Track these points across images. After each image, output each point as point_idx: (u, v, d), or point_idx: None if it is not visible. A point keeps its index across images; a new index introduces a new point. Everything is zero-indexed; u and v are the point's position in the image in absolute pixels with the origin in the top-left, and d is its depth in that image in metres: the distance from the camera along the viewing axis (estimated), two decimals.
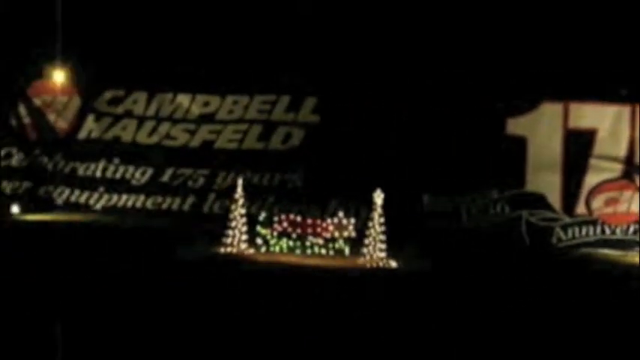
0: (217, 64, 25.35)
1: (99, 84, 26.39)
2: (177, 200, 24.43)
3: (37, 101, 26.75)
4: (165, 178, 24.83)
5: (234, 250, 19.76)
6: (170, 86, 25.83)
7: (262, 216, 19.98)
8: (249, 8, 25.38)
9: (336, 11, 24.66)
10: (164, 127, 25.48)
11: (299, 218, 19.77)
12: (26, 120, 26.65)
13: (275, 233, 19.77)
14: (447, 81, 23.50)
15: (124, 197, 24.97)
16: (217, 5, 25.50)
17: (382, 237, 19.35)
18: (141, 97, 25.96)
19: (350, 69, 24.32)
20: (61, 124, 26.39)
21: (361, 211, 21.91)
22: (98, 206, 25.07)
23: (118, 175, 25.30)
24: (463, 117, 23.32)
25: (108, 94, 26.19)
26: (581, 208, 22.49)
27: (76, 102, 26.47)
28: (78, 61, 26.40)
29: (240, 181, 20.07)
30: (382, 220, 19.35)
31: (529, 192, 22.81)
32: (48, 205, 25.06)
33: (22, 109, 26.76)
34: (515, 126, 23.30)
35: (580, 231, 22.15)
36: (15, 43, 26.36)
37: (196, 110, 25.42)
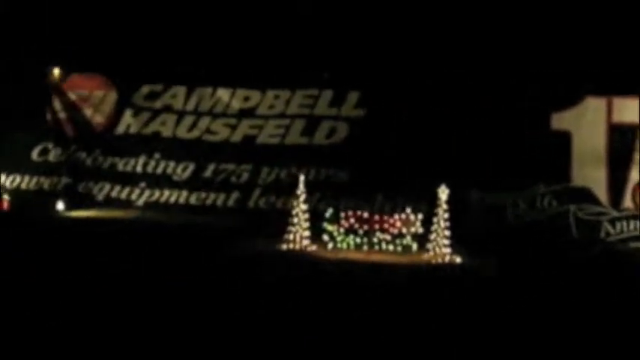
0: (256, 58, 25.15)
1: (136, 78, 25.97)
2: (222, 196, 24.20)
3: (73, 96, 26.54)
4: (208, 173, 24.74)
5: (297, 247, 19.63)
6: (209, 81, 25.49)
7: (329, 212, 19.90)
8: (287, 3, 25.16)
9: (379, 3, 24.55)
10: (204, 122, 25.35)
11: (366, 214, 19.63)
12: (62, 115, 26.44)
13: (342, 230, 19.67)
14: (492, 76, 23.43)
15: (167, 193, 24.75)
16: (259, 2, 25.27)
17: (447, 232, 19.31)
18: (180, 91, 25.80)
19: (393, 62, 24.33)
20: (98, 119, 26.20)
21: (407, 206, 21.78)
22: (140, 202, 24.93)
23: (159, 171, 25.12)
24: (508, 112, 23.30)
25: (145, 89, 26.00)
26: (627, 203, 22.53)
27: (113, 97, 26.26)
28: (113, 55, 25.88)
29: (302, 177, 19.95)
30: (447, 215, 19.31)
31: (576, 186, 22.84)
32: (89, 202, 24.53)
33: (57, 104, 26.43)
34: (560, 121, 23.42)
35: (628, 225, 22.32)
36: (48, 36, 25.99)
37: (236, 105, 25.33)
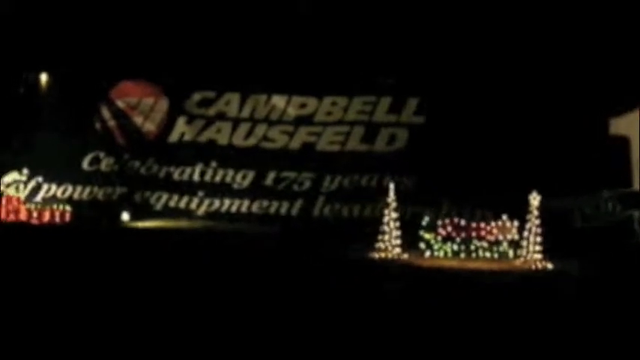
0: (312, 64, 25.13)
1: (186, 85, 25.76)
2: (285, 204, 24.13)
3: (121, 104, 26.19)
4: (269, 181, 24.65)
5: (389, 255, 19.77)
6: (263, 87, 25.41)
7: (425, 220, 20.04)
8: (344, 8, 25.19)
9: (438, 8, 24.70)
10: (261, 129, 25.29)
11: (463, 222, 19.82)
12: (111, 123, 26.15)
13: (439, 237, 19.84)
14: (551, 82, 23.69)
15: (227, 202, 24.59)
16: (313, 5, 25.21)
17: (539, 239, 19.57)
18: (233, 98, 25.73)
19: (452, 68, 24.42)
20: (149, 126, 25.98)
21: (476, 212, 22.01)
22: (201, 212, 24.79)
23: (218, 179, 25.04)
24: (566, 117, 23.59)
25: (197, 96, 25.86)
26: None
27: (164, 104, 26.05)
28: (164, 62, 25.68)
29: (392, 185, 20.09)
30: (538, 221, 19.56)
31: (638, 191, 23.25)
32: (147, 211, 24.32)
33: (106, 112, 26.10)
34: (618, 126, 23.74)
35: None
36: (94, 44, 25.71)
37: (292, 112, 25.31)
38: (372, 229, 21.33)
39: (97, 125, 26.08)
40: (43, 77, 26.66)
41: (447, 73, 24.49)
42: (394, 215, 20.14)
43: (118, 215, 23.96)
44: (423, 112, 24.47)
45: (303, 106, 25.16)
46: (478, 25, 24.37)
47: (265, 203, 24.38)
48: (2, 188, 24.49)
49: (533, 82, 24.02)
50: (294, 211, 24.28)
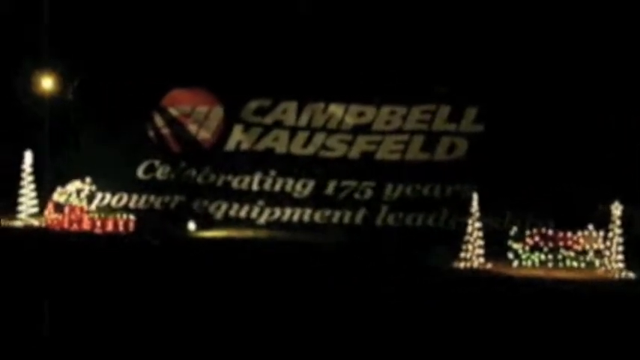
0: (369, 73, 25.21)
1: (242, 93, 25.70)
2: (348, 213, 24.15)
3: (174, 111, 26.04)
4: (330, 190, 24.59)
5: (474, 265, 19.94)
6: (320, 96, 25.42)
7: (514, 230, 20.22)
8: (402, 19, 25.29)
9: (495, 18, 24.88)
10: (319, 138, 25.33)
11: (550, 232, 20.03)
12: (165, 131, 25.98)
13: (527, 247, 20.03)
14: (612, 89, 23.93)
15: (288, 211, 24.55)
16: (371, 14, 25.31)
17: (621, 248, 19.84)
18: (290, 107, 25.72)
19: (511, 77, 24.61)
20: (204, 135, 25.91)
21: (538, 222, 22.23)
22: (261, 221, 24.68)
23: (277, 188, 24.96)
24: (620, 123, 23.86)
25: (253, 104, 25.77)
26: None
27: (219, 112, 25.95)
28: (216, 69, 25.62)
29: (475, 195, 20.20)
30: (620, 231, 19.83)
31: None
32: (210, 221, 24.23)
33: (159, 120, 25.96)
34: None
35: None
36: (147, 53, 25.59)
37: (350, 120, 25.38)
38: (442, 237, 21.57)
39: (151, 133, 25.90)
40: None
41: (505, 81, 24.47)
42: (477, 225, 20.18)
43: (184, 225, 23.46)
44: (482, 120, 24.40)
45: (360, 114, 25.19)
46: (537, 34, 24.47)
47: (327, 212, 24.18)
48: (64, 197, 24.02)
49: (596, 90, 23.98)
50: (358, 220, 24.07)
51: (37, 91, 26.02)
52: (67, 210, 23.99)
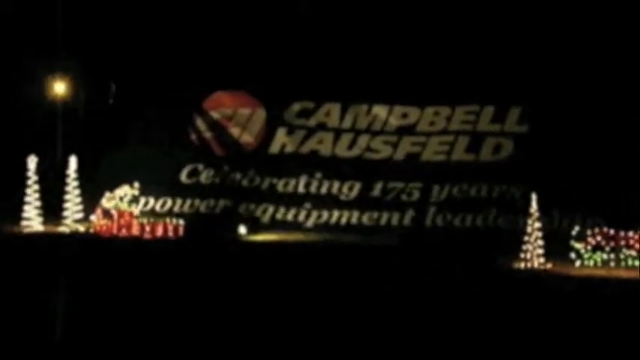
0: (413, 74, 25.24)
1: (284, 96, 25.68)
2: (396, 215, 24.17)
3: (216, 115, 25.98)
4: (376, 192, 24.59)
5: (534, 265, 20.06)
6: (363, 97, 25.43)
7: (575, 230, 20.32)
8: (443, 18, 25.35)
9: (537, 19, 24.96)
10: (363, 140, 25.36)
11: (612, 231, 20.14)
12: (207, 134, 25.91)
13: (589, 247, 20.14)
14: None
15: (336, 213, 24.53)
16: (414, 16, 25.34)
17: None
18: (333, 109, 25.75)
19: (554, 76, 24.66)
20: (247, 138, 25.89)
21: (587, 221, 22.35)
22: (309, 224, 24.66)
23: (324, 191, 24.88)
24: None
25: (296, 106, 25.71)
26: None
27: (261, 115, 25.89)
28: (258, 72, 25.60)
29: (534, 196, 20.29)
30: None
31: None
32: (259, 224, 24.21)
33: (201, 123, 25.90)
34: None
35: None
36: (187, 56, 25.55)
37: (394, 122, 25.44)
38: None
39: (193, 137, 25.83)
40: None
41: (547, 80, 24.54)
42: (537, 225, 20.27)
43: (234, 228, 23.42)
44: (526, 120, 24.46)
45: (404, 116, 25.26)
46: (580, 32, 24.52)
47: (375, 214, 24.18)
48: (113, 203, 23.91)
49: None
50: (407, 222, 24.06)
51: (76, 97, 25.63)
52: (115, 215, 23.69)
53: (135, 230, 23.61)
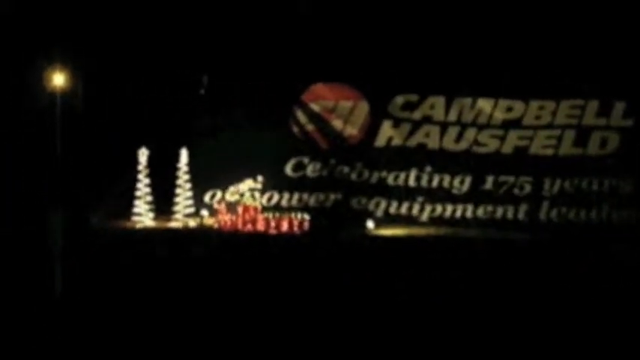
0: (517, 68, 25.38)
1: (387, 89, 25.51)
2: (510, 209, 24.32)
3: (316, 107, 25.61)
4: (488, 186, 24.62)
5: None
6: (468, 91, 25.46)
7: None
8: (547, 13, 25.56)
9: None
10: (470, 133, 25.36)
11: None
12: (309, 127, 25.54)
13: None
14: None
15: (449, 207, 24.53)
16: (514, 9, 25.48)
17: None
18: (438, 102, 25.62)
19: None
20: (351, 130, 25.60)
21: None
22: (424, 218, 24.51)
23: (435, 184, 24.81)
24: None
25: (400, 99, 25.53)
26: None
27: (364, 107, 25.62)
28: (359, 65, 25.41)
29: None
30: None
31: None
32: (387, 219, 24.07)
33: (302, 116, 25.52)
34: None
35: None
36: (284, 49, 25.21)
37: (500, 115, 25.45)
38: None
39: (295, 129, 25.28)
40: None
41: None
42: None
43: (361, 223, 23.14)
44: (631, 115, 24.77)
45: (509, 109, 25.29)
46: None
47: (490, 208, 24.18)
48: (236, 197, 23.36)
49: None
50: (521, 216, 24.13)
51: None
52: (240, 210, 23.11)
53: (260, 226, 22.99)
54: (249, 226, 23.43)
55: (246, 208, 23.57)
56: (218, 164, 24.63)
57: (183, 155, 24.02)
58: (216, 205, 23.91)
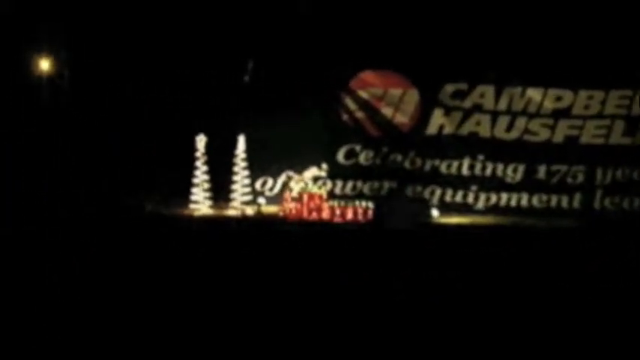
0: (565, 57, 25.47)
1: (437, 77, 25.39)
2: (565, 198, 24.37)
3: (365, 94, 25.35)
4: (541, 174, 24.64)
5: None
6: (517, 80, 25.45)
7: None
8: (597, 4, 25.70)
9: None
10: (521, 122, 25.35)
11: None
12: (359, 114, 25.26)
13: None
14: None
15: (504, 196, 24.50)
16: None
17: None
18: (487, 91, 25.55)
19: None
20: (401, 118, 25.38)
21: None
22: (480, 206, 24.42)
23: (488, 172, 24.74)
24: None
25: (450, 88, 25.39)
26: None
27: (414, 95, 25.44)
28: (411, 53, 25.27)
29: None
30: None
31: None
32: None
33: (351, 103, 25.25)
34: None
35: None
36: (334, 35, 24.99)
37: (549, 105, 25.49)
38: None
39: (344, 117, 24.97)
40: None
41: None
42: None
43: (428, 211, 22.90)
44: None
45: (558, 99, 25.29)
46: None
47: (544, 197, 24.17)
48: (301, 185, 22.93)
49: None
50: (575, 205, 24.15)
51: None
52: (305, 198, 22.66)
53: (325, 214, 22.63)
54: (314, 215, 22.85)
55: (311, 197, 22.97)
56: (273, 152, 23.93)
57: (241, 142, 23.31)
58: (284, 194, 23.12)
